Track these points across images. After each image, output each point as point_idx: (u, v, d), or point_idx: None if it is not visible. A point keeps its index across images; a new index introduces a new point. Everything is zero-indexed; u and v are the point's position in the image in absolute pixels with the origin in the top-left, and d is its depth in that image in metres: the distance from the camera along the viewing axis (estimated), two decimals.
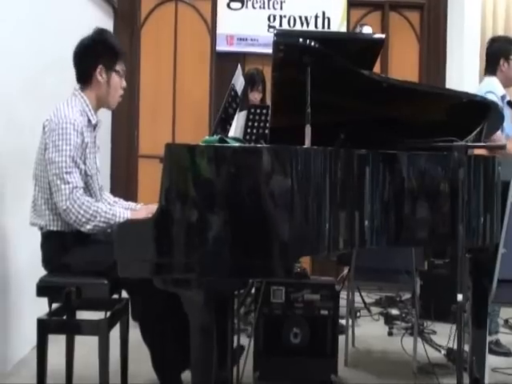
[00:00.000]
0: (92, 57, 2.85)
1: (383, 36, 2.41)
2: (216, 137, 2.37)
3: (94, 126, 2.89)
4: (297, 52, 2.32)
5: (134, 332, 2.89)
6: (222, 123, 2.81)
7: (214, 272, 2.14)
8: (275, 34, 2.28)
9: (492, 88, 4.12)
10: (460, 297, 2.48)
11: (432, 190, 2.51)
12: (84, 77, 2.87)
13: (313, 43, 2.29)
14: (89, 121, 2.83)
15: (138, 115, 6.02)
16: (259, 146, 2.51)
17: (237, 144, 2.45)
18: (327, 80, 2.38)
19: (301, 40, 2.31)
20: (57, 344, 2.85)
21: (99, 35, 2.88)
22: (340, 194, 2.26)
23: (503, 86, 4.25)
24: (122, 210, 2.68)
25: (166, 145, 2.17)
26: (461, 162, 2.33)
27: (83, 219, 2.61)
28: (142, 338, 2.77)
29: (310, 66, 2.29)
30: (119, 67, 2.91)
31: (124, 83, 2.96)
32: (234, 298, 3.00)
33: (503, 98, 4.10)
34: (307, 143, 2.26)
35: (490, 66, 4.36)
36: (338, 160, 2.25)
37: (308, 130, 2.26)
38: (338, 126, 2.62)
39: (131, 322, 3.01)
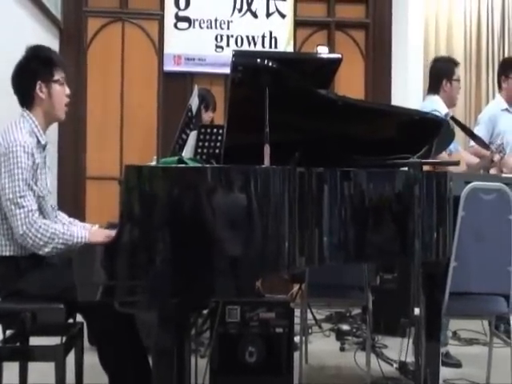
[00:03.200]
0: (28, 77, 2.79)
1: (340, 56, 2.45)
2: (175, 158, 2.37)
3: (44, 147, 2.85)
4: (255, 72, 2.34)
5: (89, 357, 2.86)
6: (179, 144, 2.81)
7: (164, 294, 2.14)
8: (233, 55, 2.29)
9: (436, 106, 4.22)
10: (417, 310, 2.53)
11: (387, 206, 2.55)
12: (26, 98, 2.81)
13: (270, 63, 2.32)
14: (38, 142, 2.78)
15: (85, 136, 5.95)
16: (219, 166, 2.51)
17: (196, 165, 2.45)
18: (284, 99, 2.40)
19: (259, 60, 2.34)
20: (8, 371, 2.78)
21: (31, 52, 2.82)
22: (299, 212, 2.26)
23: (446, 106, 4.37)
24: (79, 230, 2.63)
25: (125, 166, 2.17)
26: (416, 179, 2.39)
27: (41, 242, 2.55)
28: (100, 362, 2.72)
29: (267, 85, 2.31)
30: (58, 76, 2.83)
31: (67, 90, 2.87)
32: (190, 319, 2.99)
33: (446, 115, 4.19)
34: (266, 162, 2.28)
35: (433, 86, 4.47)
36: (297, 178, 2.27)
37: (267, 149, 2.27)
38: (294, 144, 2.64)
39: (86, 346, 2.97)
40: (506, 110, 4.95)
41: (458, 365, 4.11)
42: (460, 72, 4.49)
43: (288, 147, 2.56)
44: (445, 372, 3.79)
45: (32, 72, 2.79)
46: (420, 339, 3.08)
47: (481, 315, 3.62)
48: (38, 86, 2.78)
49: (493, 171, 4.39)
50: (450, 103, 4.47)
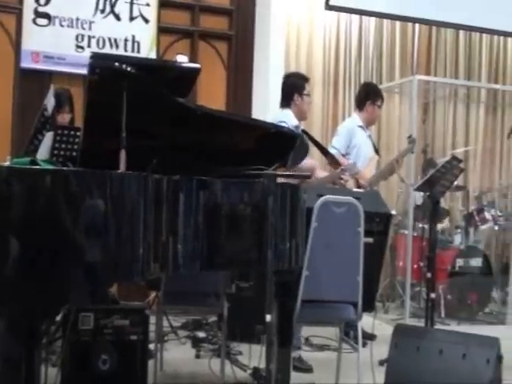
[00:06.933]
0: None
1: (199, 66, 2.48)
2: (27, 159, 2.29)
3: None
4: (113, 76, 2.31)
5: None
6: (34, 144, 2.72)
7: (13, 299, 2.08)
8: (91, 57, 2.27)
9: (285, 119, 4.33)
10: (268, 317, 2.60)
11: (242, 215, 2.59)
12: None
13: (129, 68, 2.31)
14: None
15: None
16: (70, 169, 2.44)
17: (48, 167, 2.38)
18: (143, 105, 2.39)
19: (117, 64, 2.31)
20: None
21: None
22: (154, 219, 2.26)
23: (297, 119, 4.53)
24: None
25: None
26: (270, 190, 2.44)
27: None
28: None
29: (125, 90, 2.30)
30: None
31: None
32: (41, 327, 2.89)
33: (297, 127, 4.34)
34: (122, 168, 2.25)
35: (285, 100, 4.63)
36: (152, 185, 2.26)
37: (123, 154, 2.25)
38: (151, 151, 2.62)
39: None
40: (361, 126, 5.26)
41: (309, 370, 4.22)
42: (318, 89, 4.64)
43: (146, 154, 2.54)
44: (296, 377, 3.90)
45: None
46: (272, 345, 3.15)
47: (331, 322, 3.76)
48: None
49: (350, 183, 4.61)
50: (301, 117, 4.66)
